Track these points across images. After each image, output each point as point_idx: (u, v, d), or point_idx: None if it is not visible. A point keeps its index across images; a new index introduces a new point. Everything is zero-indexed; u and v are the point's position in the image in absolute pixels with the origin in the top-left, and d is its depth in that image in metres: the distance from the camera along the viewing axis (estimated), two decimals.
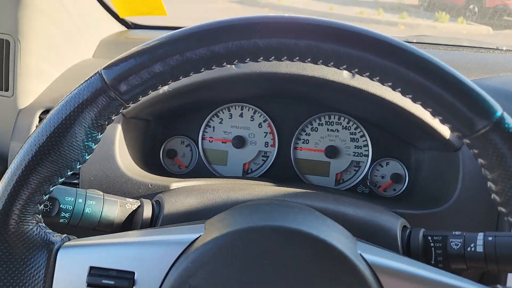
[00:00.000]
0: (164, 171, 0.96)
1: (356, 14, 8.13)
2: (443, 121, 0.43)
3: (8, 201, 0.45)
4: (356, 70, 0.43)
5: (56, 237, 0.48)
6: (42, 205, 0.48)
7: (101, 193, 0.65)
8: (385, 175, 0.93)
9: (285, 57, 0.44)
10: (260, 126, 0.96)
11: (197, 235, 0.47)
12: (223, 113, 0.96)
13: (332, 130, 0.94)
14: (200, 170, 0.96)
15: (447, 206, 0.73)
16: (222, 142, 0.96)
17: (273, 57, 0.44)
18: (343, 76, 0.73)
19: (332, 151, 0.93)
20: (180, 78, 0.46)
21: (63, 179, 0.47)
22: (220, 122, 0.96)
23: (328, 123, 0.94)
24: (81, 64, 0.94)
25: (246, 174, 0.97)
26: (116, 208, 0.64)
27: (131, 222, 0.65)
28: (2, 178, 0.46)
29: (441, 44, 1.19)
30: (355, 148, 0.93)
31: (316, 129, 0.94)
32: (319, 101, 0.92)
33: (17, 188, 0.45)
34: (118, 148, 0.79)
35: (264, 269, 0.42)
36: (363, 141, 0.93)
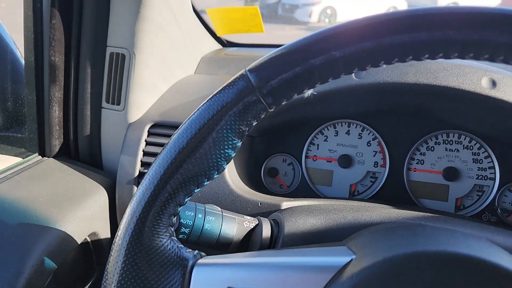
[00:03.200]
0: (265, 190, 0.91)
1: None
2: None
3: (144, 210, 0.42)
4: None
5: (188, 253, 0.45)
6: (175, 217, 0.45)
7: (219, 209, 0.61)
8: None
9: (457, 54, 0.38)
10: (368, 144, 0.89)
11: (348, 259, 0.41)
12: (328, 130, 0.91)
13: (451, 150, 0.85)
14: (303, 191, 0.91)
15: None
16: (327, 161, 0.91)
17: (441, 54, 0.38)
18: (481, 86, 0.65)
19: (452, 173, 0.84)
20: (329, 80, 0.41)
21: (199, 189, 0.44)
22: (325, 140, 0.91)
23: (446, 141, 0.85)
24: (185, 80, 0.94)
25: (353, 196, 0.90)
26: (234, 226, 0.60)
27: (248, 241, 0.61)
28: (139, 186, 0.43)
29: None
30: (478, 170, 0.84)
31: (432, 148, 0.86)
32: (436, 117, 0.84)
33: (154, 196, 0.42)
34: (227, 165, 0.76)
35: None
36: (488, 162, 0.83)
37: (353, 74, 0.71)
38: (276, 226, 0.62)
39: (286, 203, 0.73)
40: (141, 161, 0.80)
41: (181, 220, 0.57)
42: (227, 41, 1.21)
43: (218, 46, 1.19)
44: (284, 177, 0.92)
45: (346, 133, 0.90)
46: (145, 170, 0.79)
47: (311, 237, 0.60)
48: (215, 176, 0.44)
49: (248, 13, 1.08)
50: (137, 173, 0.80)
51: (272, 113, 0.79)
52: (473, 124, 0.81)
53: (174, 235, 0.45)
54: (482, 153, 0.83)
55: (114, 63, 0.80)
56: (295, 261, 0.42)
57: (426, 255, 0.37)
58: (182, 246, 0.45)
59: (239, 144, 0.44)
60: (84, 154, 0.87)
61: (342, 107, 0.86)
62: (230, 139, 0.42)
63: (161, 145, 0.80)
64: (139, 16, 0.77)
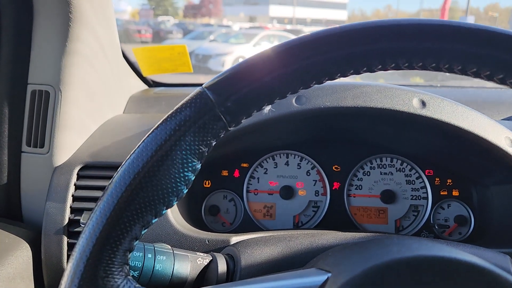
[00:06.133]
0: (207, 230, 0.87)
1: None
2: None
3: (96, 247, 0.37)
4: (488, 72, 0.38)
5: None
6: (131, 254, 0.40)
7: (169, 247, 0.56)
8: (448, 218, 0.86)
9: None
10: (308, 174, 0.89)
11: (323, 277, 0.39)
12: (267, 162, 0.90)
13: (385, 173, 0.88)
14: (246, 227, 0.88)
15: None
16: (269, 194, 0.89)
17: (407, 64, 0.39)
18: (413, 106, 0.69)
19: (388, 196, 0.87)
20: (288, 95, 0.41)
21: (156, 219, 0.40)
22: (265, 173, 0.90)
23: (381, 166, 0.88)
24: (115, 120, 0.88)
25: (297, 227, 0.89)
26: (188, 264, 0.55)
27: (203, 279, 0.56)
28: (88, 221, 0.38)
29: (465, 87, 1.21)
30: (412, 191, 0.87)
31: (368, 173, 0.88)
32: (369, 142, 0.87)
33: (108, 230, 0.37)
34: None
35: None
36: (420, 182, 0.87)
37: (293, 100, 0.72)
38: (231, 260, 0.59)
39: (235, 238, 0.69)
40: (70, 207, 0.72)
41: (130, 262, 0.51)
42: (153, 81, 1.18)
43: (144, 86, 1.15)
44: (226, 214, 0.89)
45: (285, 164, 0.90)
46: (76, 217, 0.72)
47: (270, 267, 0.57)
48: (174, 203, 0.40)
49: (175, 52, 1.07)
50: (66, 221, 0.72)
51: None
52: (404, 146, 0.86)
53: (130, 274, 0.40)
54: (414, 174, 0.88)
55: (37, 102, 0.73)
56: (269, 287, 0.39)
57: (404, 262, 0.36)
58: (140, 286, 0.40)
59: (199, 166, 0.41)
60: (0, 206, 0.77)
61: (279, 137, 0.87)
62: (190, 161, 0.39)
63: (94, 188, 0.73)
64: (65, 50, 0.71)
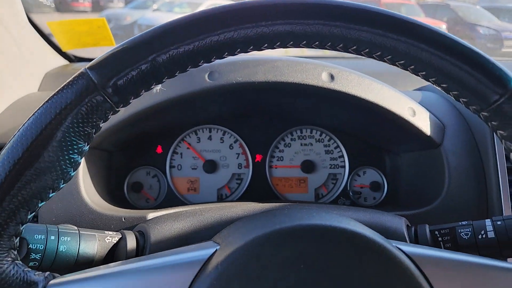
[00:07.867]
0: (130, 207, 0.86)
1: None
2: (458, 96, 0.41)
3: None
4: (367, 50, 0.41)
5: (38, 275, 0.40)
6: (18, 238, 0.39)
7: (75, 227, 0.56)
8: (364, 184, 0.91)
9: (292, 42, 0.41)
10: (231, 147, 0.91)
11: (212, 250, 0.41)
12: (190, 137, 0.90)
13: (305, 144, 0.91)
14: (171, 202, 0.88)
15: (438, 203, 0.72)
16: (192, 169, 0.90)
17: (278, 43, 0.41)
18: (322, 79, 0.71)
19: (309, 166, 0.90)
20: (177, 74, 0.41)
21: (43, 202, 0.39)
22: (188, 148, 0.90)
23: (301, 137, 0.91)
24: (27, 98, 0.85)
25: (221, 200, 0.90)
26: (95, 243, 0.55)
27: (112, 257, 0.57)
28: None
29: None
30: (330, 160, 0.91)
31: (289, 144, 0.91)
32: (289, 114, 0.90)
33: None
34: (82, 181, 0.70)
35: (302, 272, 0.37)
36: (338, 152, 0.91)
37: (206, 76, 0.72)
38: (142, 237, 0.59)
39: (152, 214, 0.70)
40: None
41: (30, 246, 0.50)
42: (74, 56, 1.13)
43: (64, 61, 1.10)
44: (150, 190, 0.89)
45: (208, 138, 0.90)
46: None
47: (179, 242, 0.58)
48: (61, 186, 0.40)
49: (94, 26, 1.03)
50: None
51: (130, 123, 0.75)
52: (321, 118, 0.88)
53: (19, 259, 0.40)
54: (332, 144, 0.91)
55: None
56: (159, 263, 0.41)
57: (283, 231, 0.38)
58: (30, 269, 0.40)
59: (86, 148, 0.41)
60: None
61: (201, 112, 0.87)
62: (75, 143, 0.39)
63: None
64: None
